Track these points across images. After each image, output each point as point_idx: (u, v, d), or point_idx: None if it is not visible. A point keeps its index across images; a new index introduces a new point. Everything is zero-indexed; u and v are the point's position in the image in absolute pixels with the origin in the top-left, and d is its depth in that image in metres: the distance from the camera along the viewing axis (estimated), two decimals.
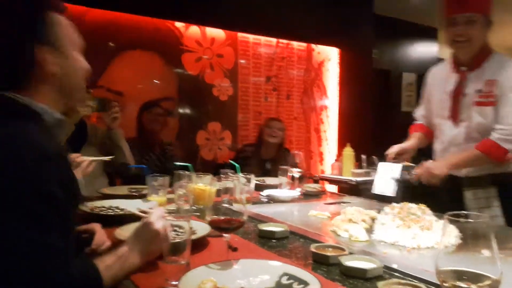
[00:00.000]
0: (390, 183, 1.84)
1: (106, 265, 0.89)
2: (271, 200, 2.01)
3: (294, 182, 2.24)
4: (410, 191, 1.88)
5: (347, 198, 2.14)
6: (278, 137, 3.21)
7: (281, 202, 1.98)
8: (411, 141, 2.10)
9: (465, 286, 0.67)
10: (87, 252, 1.12)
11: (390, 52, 6.09)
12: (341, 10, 4.65)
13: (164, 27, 3.62)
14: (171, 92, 3.70)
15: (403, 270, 1.02)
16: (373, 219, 1.45)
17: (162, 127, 2.99)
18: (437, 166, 1.80)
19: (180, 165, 1.88)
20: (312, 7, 4.44)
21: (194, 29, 3.78)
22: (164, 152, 2.88)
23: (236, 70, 4.07)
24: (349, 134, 4.54)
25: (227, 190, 1.08)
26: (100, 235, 1.19)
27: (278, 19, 4.18)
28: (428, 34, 6.46)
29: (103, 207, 1.65)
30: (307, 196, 2.17)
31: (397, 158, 1.99)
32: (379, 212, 1.45)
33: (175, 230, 0.92)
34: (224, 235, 1.05)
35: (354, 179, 3.35)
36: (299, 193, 2.14)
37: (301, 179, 2.31)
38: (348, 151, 3.51)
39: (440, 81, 1.99)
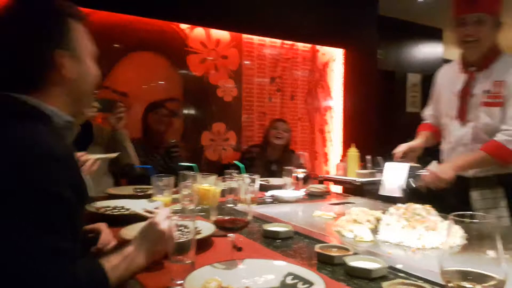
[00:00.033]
0: (397, 184, 1.84)
1: (113, 265, 0.89)
2: (276, 200, 2.01)
3: (298, 182, 2.24)
4: (417, 192, 1.87)
5: (351, 199, 2.14)
6: (284, 138, 3.20)
7: (285, 203, 1.98)
8: (418, 140, 2.10)
9: (470, 286, 0.67)
10: (93, 251, 1.13)
11: (394, 53, 6.08)
12: (346, 11, 4.65)
13: (169, 29, 3.63)
14: (176, 93, 3.71)
15: (407, 271, 1.02)
16: (378, 220, 1.45)
17: (167, 128, 3.01)
18: (443, 170, 1.77)
19: (185, 166, 1.89)
20: (317, 8, 4.44)
21: (199, 31, 3.79)
22: (169, 152, 2.89)
23: (241, 71, 4.08)
24: (353, 135, 4.54)
25: (231, 190, 1.09)
26: (106, 235, 1.20)
27: (283, 20, 4.18)
28: (433, 34, 6.44)
29: (109, 207, 1.66)
30: (312, 196, 2.17)
31: (404, 157, 1.99)
32: (384, 212, 1.45)
33: (180, 230, 0.93)
34: (229, 235, 1.05)
35: (358, 179, 3.34)
36: (304, 194, 2.15)
37: (306, 179, 2.31)
38: (353, 151, 3.50)
39: (449, 81, 1.98)
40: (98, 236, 1.18)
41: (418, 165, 1.94)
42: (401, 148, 2.02)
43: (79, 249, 0.84)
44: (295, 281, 0.90)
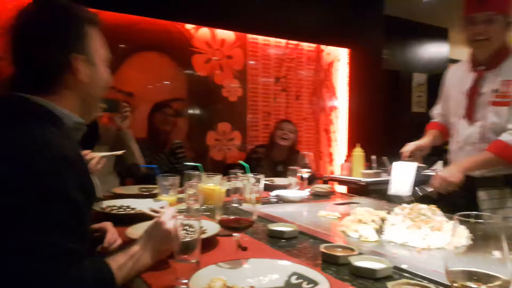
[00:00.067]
0: (406, 184, 1.82)
1: (119, 264, 0.90)
2: (281, 200, 2.01)
3: (303, 182, 2.24)
4: (427, 197, 1.85)
5: (356, 199, 2.13)
6: (290, 139, 3.19)
7: (290, 202, 1.98)
8: (426, 139, 2.09)
9: (475, 286, 0.67)
10: (99, 250, 1.14)
11: (400, 53, 6.05)
12: (351, 10, 4.64)
13: (175, 29, 3.65)
14: (181, 93, 3.72)
15: (412, 271, 1.02)
16: (383, 220, 1.45)
17: (172, 128, 3.02)
18: (451, 173, 1.75)
19: (190, 165, 1.90)
20: (322, 8, 4.44)
21: (204, 31, 3.80)
22: (174, 152, 2.90)
23: (245, 71, 4.08)
24: (358, 135, 4.52)
25: (236, 190, 1.09)
26: (112, 234, 1.20)
27: (287, 20, 4.18)
28: (439, 34, 6.40)
29: (115, 206, 1.67)
30: (317, 196, 2.17)
31: (412, 156, 1.98)
32: (389, 212, 1.45)
33: (185, 229, 0.93)
34: (234, 234, 1.06)
35: (363, 179, 3.33)
36: (308, 194, 2.14)
37: (311, 179, 2.31)
38: (358, 151, 3.49)
39: (458, 80, 1.98)
40: (104, 235, 1.19)
41: (424, 165, 1.92)
42: (409, 147, 2.01)
43: (85, 250, 0.85)
44: (300, 280, 0.90)
